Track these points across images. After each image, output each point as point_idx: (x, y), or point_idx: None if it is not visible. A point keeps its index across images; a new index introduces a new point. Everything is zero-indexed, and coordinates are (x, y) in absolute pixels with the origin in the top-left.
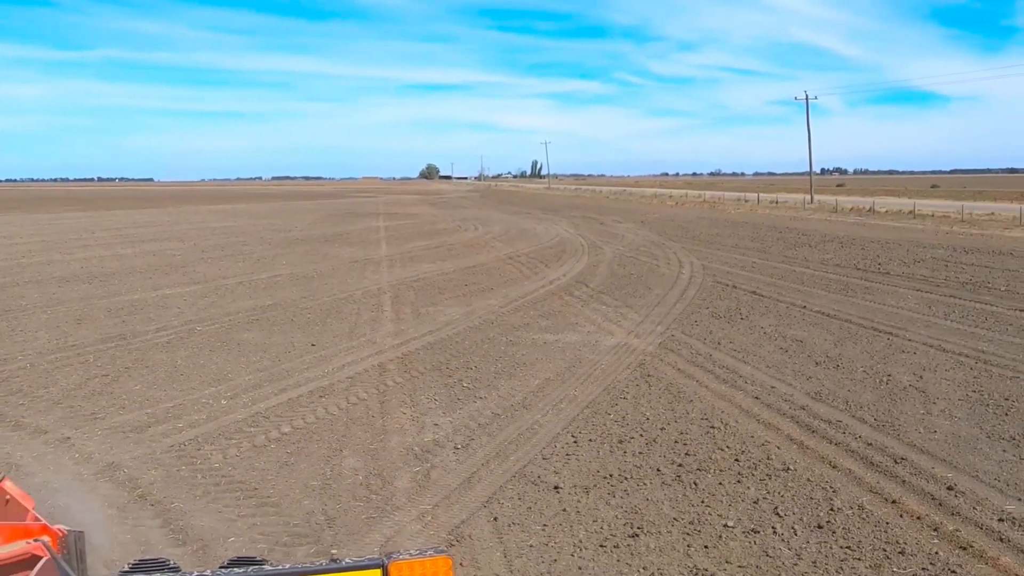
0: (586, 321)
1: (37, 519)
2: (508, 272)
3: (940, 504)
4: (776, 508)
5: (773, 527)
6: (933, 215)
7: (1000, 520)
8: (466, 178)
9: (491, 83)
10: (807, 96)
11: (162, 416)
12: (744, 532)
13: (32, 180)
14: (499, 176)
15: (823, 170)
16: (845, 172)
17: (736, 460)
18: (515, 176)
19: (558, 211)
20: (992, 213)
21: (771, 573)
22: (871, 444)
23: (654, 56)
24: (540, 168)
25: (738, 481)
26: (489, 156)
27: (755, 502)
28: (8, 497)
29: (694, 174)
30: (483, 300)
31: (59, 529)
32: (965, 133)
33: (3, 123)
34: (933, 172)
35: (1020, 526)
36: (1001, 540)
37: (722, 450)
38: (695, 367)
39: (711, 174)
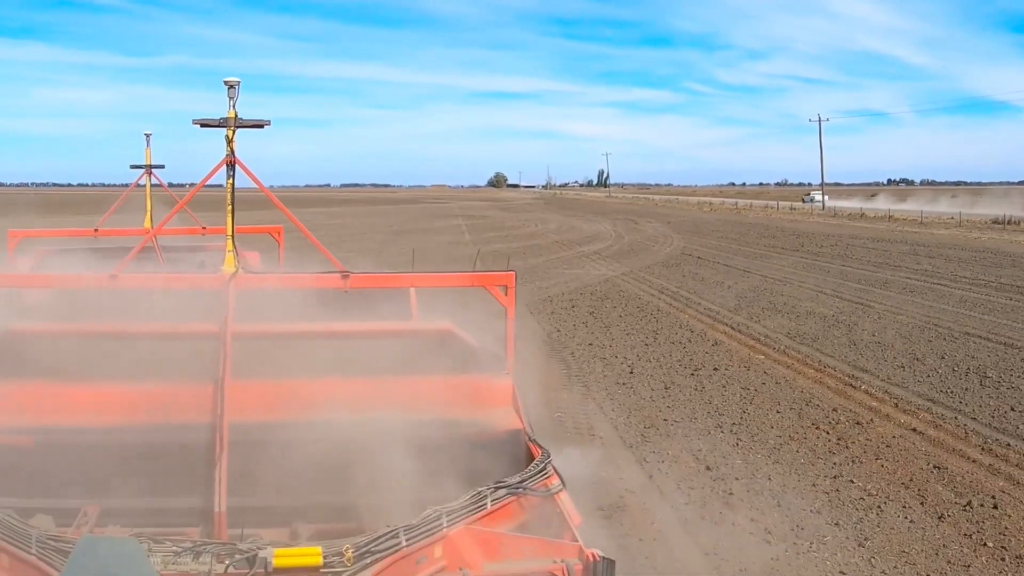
0: (590, 267)
1: (574, 539)
2: (553, 248)
3: (693, 308)
4: (628, 308)
5: (628, 311)
6: (905, 219)
7: (709, 309)
8: (533, 186)
9: (558, 91)
10: (820, 118)
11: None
12: (619, 316)
13: (103, 184)
14: (565, 185)
15: (889, 181)
16: (912, 183)
17: (625, 300)
18: (581, 185)
19: (606, 215)
20: (952, 217)
21: (621, 321)
22: (687, 299)
23: (721, 64)
24: (607, 177)
25: (623, 305)
26: (556, 165)
27: (624, 308)
28: (558, 510)
29: (761, 184)
30: (535, 259)
31: (592, 553)
32: None
33: (74, 128)
34: (1001, 183)
35: (709, 312)
36: (700, 312)
37: (621, 298)
38: (634, 281)
39: (777, 184)
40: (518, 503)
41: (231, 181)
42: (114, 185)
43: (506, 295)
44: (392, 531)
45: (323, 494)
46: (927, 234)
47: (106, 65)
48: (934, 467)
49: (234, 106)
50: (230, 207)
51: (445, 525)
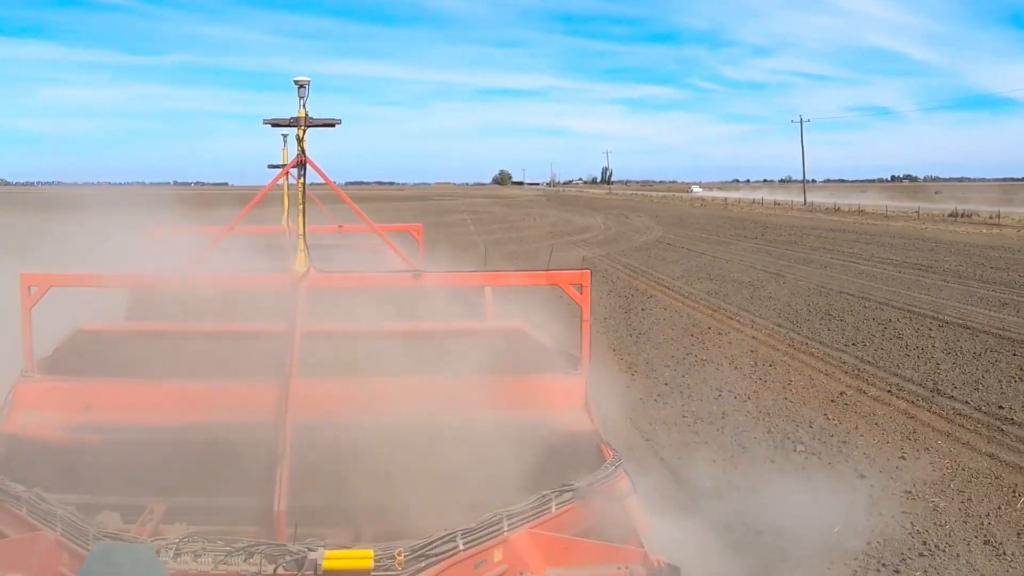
0: (573, 251)
1: (640, 544)
2: (547, 238)
3: (645, 277)
4: (593, 278)
5: (593, 280)
6: (872, 212)
7: (658, 278)
8: (538, 183)
9: (563, 88)
10: (801, 119)
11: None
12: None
13: (108, 183)
14: (569, 182)
15: (893, 177)
16: (916, 179)
17: (593, 272)
18: (585, 182)
19: (602, 210)
20: (915, 211)
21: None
22: (643, 271)
23: (727, 61)
24: (610, 174)
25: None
26: (561, 162)
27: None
28: (626, 514)
29: (765, 180)
30: (529, 245)
31: (657, 559)
32: None
33: (78, 126)
34: (1005, 179)
35: (656, 279)
36: (649, 279)
37: (593, 270)
38: (607, 260)
39: (782, 180)
40: (585, 506)
41: (302, 180)
42: (120, 184)
43: (581, 294)
44: (449, 534)
45: (389, 496)
46: (883, 225)
47: (109, 63)
48: (750, 351)
49: (304, 105)
50: (302, 206)
51: (506, 529)
